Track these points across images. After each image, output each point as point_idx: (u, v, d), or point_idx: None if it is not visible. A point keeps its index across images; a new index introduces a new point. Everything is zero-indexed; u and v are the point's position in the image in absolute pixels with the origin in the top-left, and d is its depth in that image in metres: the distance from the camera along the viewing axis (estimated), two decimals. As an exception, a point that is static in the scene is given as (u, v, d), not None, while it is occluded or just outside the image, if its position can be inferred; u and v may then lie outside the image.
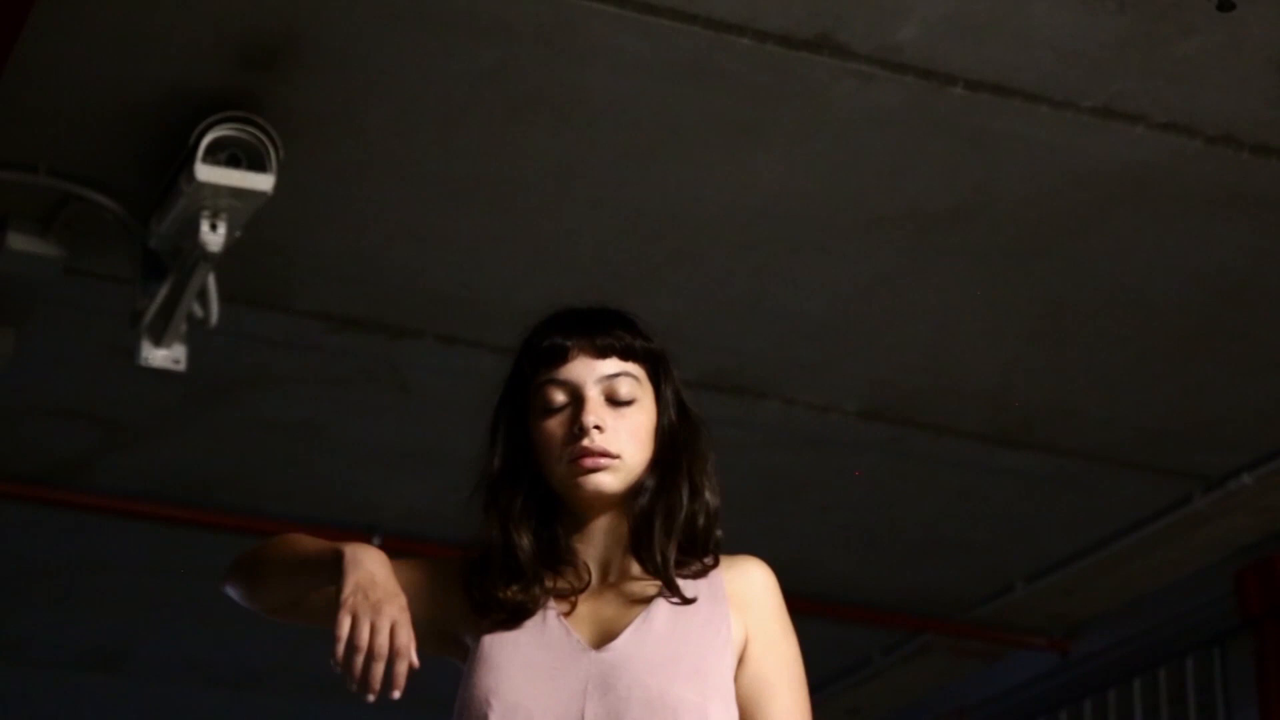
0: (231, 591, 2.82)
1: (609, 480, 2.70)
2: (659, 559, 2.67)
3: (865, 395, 5.98)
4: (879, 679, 7.84)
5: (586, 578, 2.70)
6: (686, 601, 2.65)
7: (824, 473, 6.39)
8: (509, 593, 2.65)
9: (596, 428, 2.68)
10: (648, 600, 2.66)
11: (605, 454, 2.69)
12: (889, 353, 5.76)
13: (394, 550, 2.75)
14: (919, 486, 6.48)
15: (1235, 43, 4.42)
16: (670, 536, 2.69)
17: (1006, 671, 7.67)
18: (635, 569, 2.71)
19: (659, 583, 2.67)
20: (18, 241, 5.02)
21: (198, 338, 5.10)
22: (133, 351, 5.09)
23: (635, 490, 2.72)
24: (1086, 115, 4.68)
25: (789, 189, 4.98)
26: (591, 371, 2.73)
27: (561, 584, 2.70)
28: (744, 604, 2.71)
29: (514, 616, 2.65)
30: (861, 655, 7.78)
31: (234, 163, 4.59)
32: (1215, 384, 5.84)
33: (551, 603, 2.67)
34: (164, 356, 5.08)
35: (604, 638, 2.64)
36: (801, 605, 7.06)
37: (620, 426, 2.71)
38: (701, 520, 2.73)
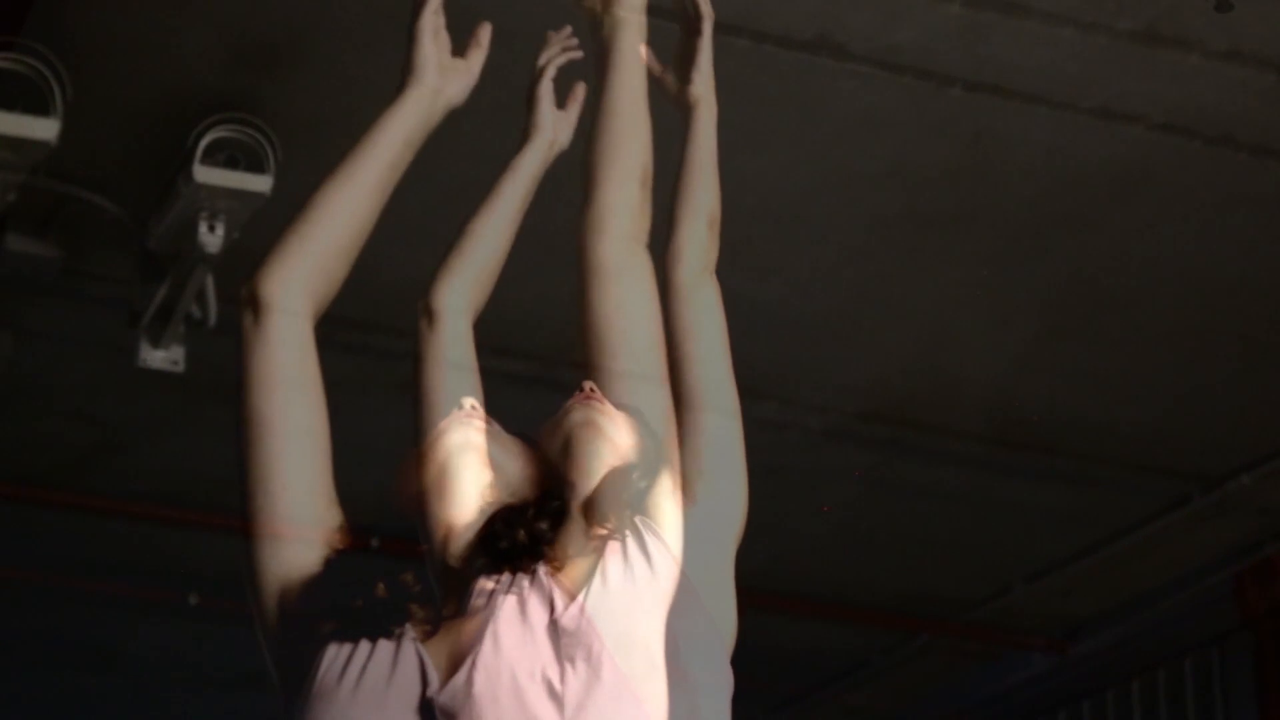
0: (288, 287, 2.81)
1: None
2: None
3: (865, 395, 5.98)
4: (878, 679, 7.84)
5: None
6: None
7: (824, 473, 6.39)
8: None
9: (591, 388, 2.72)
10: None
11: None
12: (889, 353, 5.75)
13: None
14: (919, 486, 6.48)
15: (1235, 43, 4.42)
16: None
17: (1005, 672, 7.67)
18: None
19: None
20: (17, 242, 5.02)
21: (196, 339, 5.10)
22: (131, 352, 5.09)
23: None
24: (1086, 115, 4.68)
25: (789, 189, 4.98)
26: None
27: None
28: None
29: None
30: (861, 656, 7.78)
31: (232, 164, 4.59)
32: (1215, 384, 5.84)
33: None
34: (163, 357, 5.08)
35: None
36: (801, 605, 7.14)
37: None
38: None
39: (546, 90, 3.04)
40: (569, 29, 3.05)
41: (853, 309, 5.51)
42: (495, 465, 2.56)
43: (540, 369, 5.53)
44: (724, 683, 2.66)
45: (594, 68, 2.91)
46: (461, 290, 2.89)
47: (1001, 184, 4.97)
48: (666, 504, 2.60)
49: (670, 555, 2.54)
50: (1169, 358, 5.71)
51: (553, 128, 3.05)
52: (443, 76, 2.93)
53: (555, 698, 2.38)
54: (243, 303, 2.77)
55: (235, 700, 8.32)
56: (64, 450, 6.35)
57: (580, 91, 3.05)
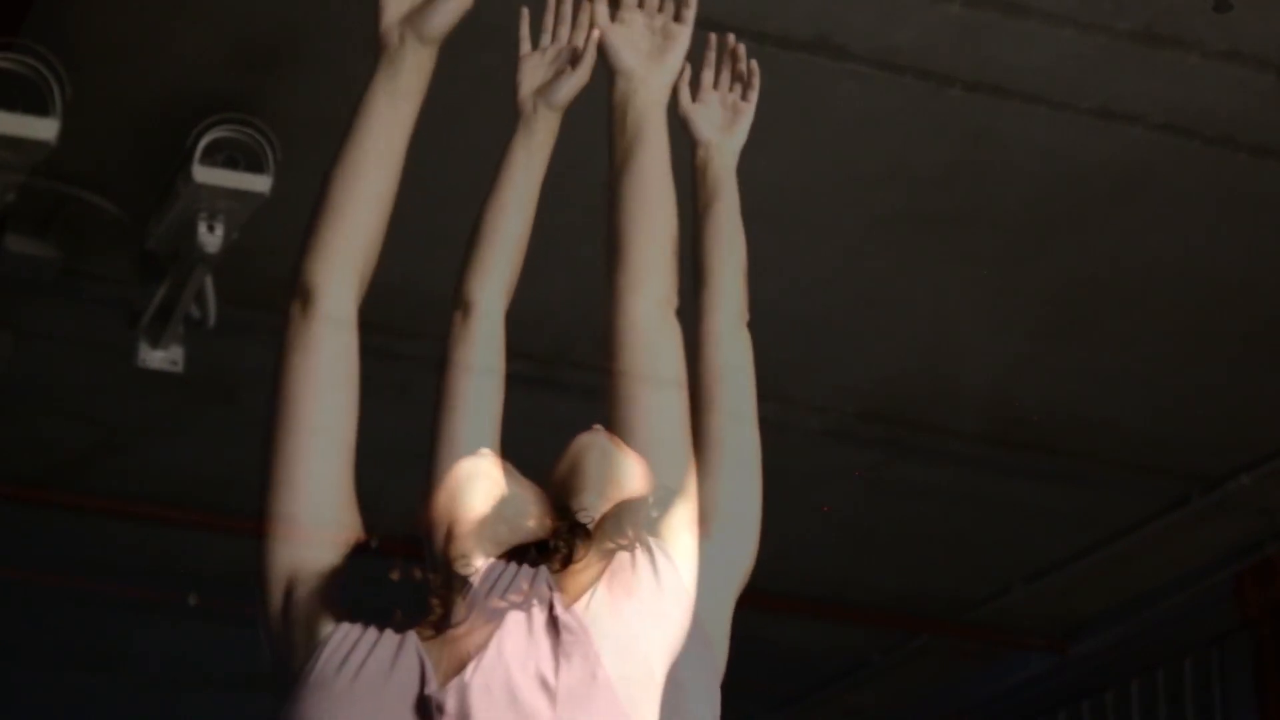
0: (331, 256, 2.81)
1: None
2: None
3: (865, 395, 5.98)
4: (878, 680, 7.83)
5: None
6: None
7: (824, 473, 6.39)
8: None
9: None
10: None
11: None
12: (889, 353, 5.75)
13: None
14: (918, 486, 6.48)
15: (1234, 43, 4.42)
16: None
17: (1005, 672, 7.67)
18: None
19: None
20: (16, 243, 5.02)
21: (195, 339, 5.10)
22: (131, 352, 5.09)
23: None
24: (1085, 115, 4.68)
25: (789, 189, 4.98)
26: None
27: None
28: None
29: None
30: (860, 656, 7.78)
31: (231, 164, 4.59)
32: (1215, 384, 5.84)
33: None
34: (162, 358, 5.08)
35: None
36: (800, 605, 7.14)
37: None
38: None
39: (528, 66, 3.09)
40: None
41: (853, 309, 5.51)
42: (511, 490, 2.59)
43: (540, 369, 5.54)
44: (715, 712, 2.69)
45: (608, 124, 2.95)
46: (498, 280, 2.90)
47: (1001, 184, 4.97)
48: (683, 534, 2.61)
49: (679, 578, 2.56)
50: (1169, 358, 5.71)
51: (534, 101, 3.07)
52: (409, 8, 2.87)
53: (547, 690, 2.39)
54: (292, 291, 2.76)
55: (235, 700, 8.32)
56: (64, 450, 6.35)
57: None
